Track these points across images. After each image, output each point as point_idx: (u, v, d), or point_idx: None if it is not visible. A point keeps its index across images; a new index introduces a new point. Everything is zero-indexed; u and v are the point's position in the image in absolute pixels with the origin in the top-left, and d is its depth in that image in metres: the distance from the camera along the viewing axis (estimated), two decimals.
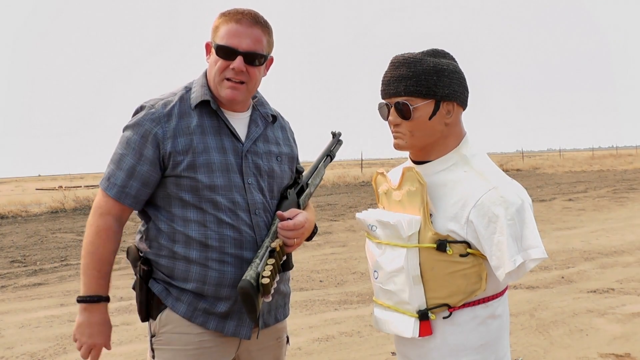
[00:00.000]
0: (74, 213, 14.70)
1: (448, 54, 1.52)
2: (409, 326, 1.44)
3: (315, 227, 1.79)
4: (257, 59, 1.64)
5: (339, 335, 4.36)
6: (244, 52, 1.61)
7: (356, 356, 3.92)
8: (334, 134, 1.94)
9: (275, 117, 1.81)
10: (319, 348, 4.10)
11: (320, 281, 6.10)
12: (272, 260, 1.56)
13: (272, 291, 1.56)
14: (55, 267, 7.52)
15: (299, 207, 1.75)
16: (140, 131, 1.62)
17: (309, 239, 1.77)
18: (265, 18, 1.67)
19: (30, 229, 11.60)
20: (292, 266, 1.75)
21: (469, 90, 1.53)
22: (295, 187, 1.78)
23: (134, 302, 1.77)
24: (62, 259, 8.02)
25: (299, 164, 1.87)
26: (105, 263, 1.64)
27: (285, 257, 1.66)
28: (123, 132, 1.67)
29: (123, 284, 5.92)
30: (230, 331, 1.64)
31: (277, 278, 1.61)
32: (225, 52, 1.61)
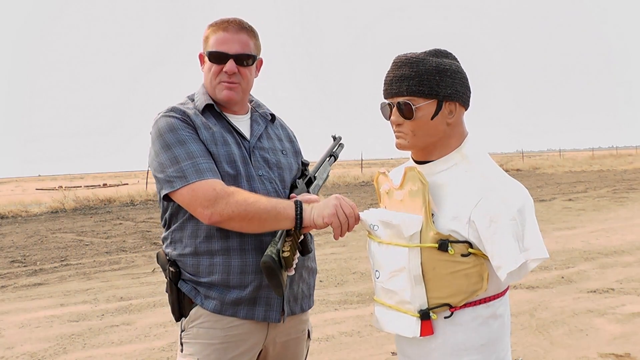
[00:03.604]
0: (74, 213, 14.70)
1: (450, 54, 1.52)
2: (410, 326, 1.44)
3: None
4: (247, 60, 1.76)
5: (339, 335, 4.36)
6: (234, 55, 1.73)
7: (356, 356, 3.92)
8: (334, 137, 2.02)
9: (273, 116, 1.92)
10: (319, 348, 4.10)
11: (320, 281, 6.10)
12: (289, 238, 1.61)
13: (294, 265, 1.64)
14: (55, 267, 7.52)
15: None
16: (179, 124, 1.68)
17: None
18: (250, 24, 1.79)
19: (30, 229, 11.61)
20: (311, 250, 1.80)
21: (471, 90, 1.53)
22: (303, 178, 1.86)
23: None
24: (62, 259, 8.03)
25: (302, 157, 1.95)
26: (268, 197, 1.62)
27: (302, 237, 1.69)
28: (160, 136, 1.67)
29: (123, 283, 5.85)
30: (260, 316, 1.69)
31: (298, 254, 1.67)
32: (217, 57, 1.74)
